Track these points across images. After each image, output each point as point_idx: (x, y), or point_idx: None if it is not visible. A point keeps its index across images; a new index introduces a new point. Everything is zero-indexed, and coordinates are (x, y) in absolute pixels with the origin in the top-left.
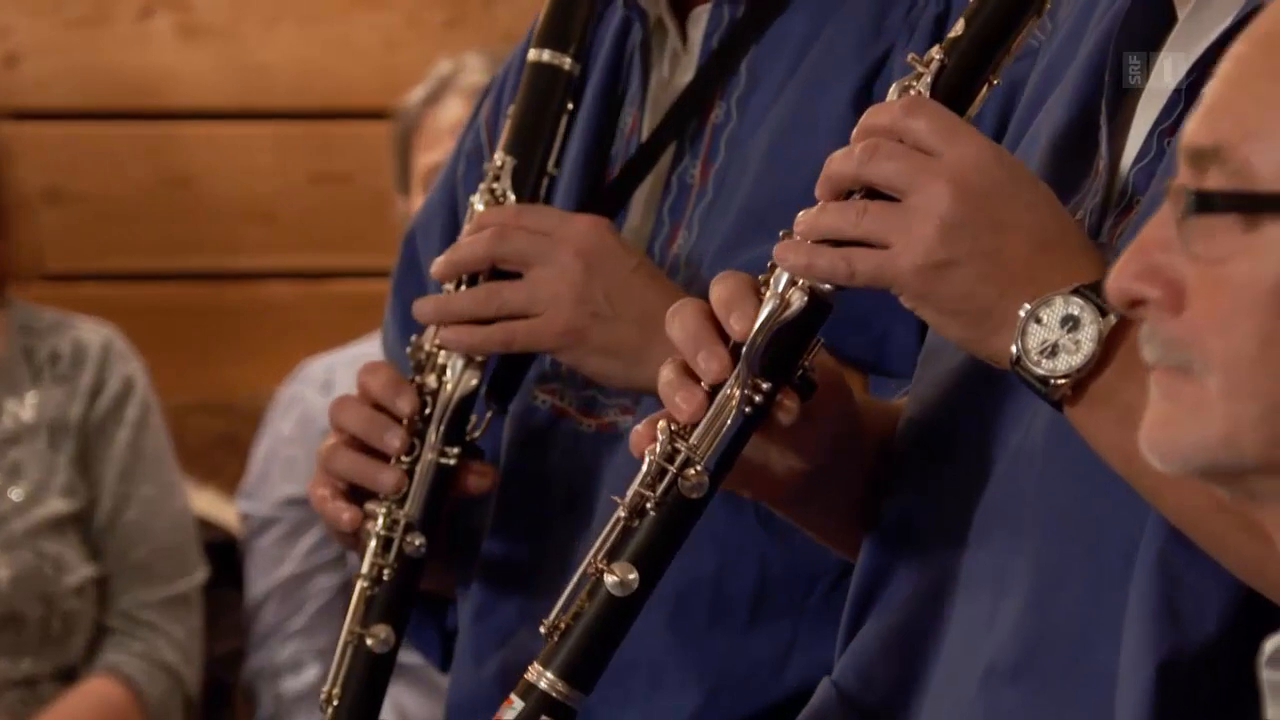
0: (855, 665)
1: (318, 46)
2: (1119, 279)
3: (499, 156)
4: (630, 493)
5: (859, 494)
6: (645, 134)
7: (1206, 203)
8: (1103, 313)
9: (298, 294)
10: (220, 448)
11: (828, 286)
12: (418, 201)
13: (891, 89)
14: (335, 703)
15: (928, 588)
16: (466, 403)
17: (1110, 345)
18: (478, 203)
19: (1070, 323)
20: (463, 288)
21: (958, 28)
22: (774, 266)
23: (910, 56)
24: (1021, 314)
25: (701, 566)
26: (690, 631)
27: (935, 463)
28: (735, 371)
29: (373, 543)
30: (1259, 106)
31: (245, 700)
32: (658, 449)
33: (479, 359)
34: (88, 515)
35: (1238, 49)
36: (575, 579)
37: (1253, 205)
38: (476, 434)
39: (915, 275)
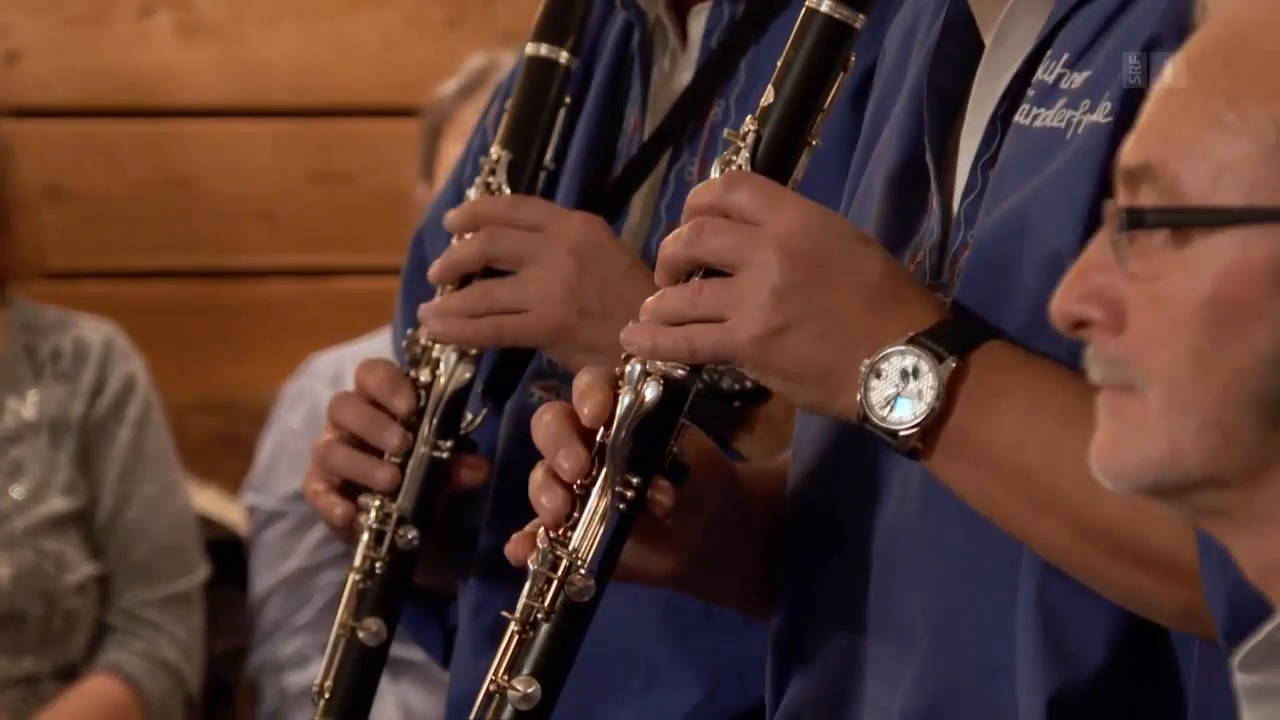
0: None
1: (318, 45)
2: (1061, 302)
3: (494, 150)
4: (520, 605)
5: (756, 564)
6: (647, 133)
7: (1137, 220)
8: (940, 359)
9: (298, 292)
10: (221, 446)
11: (680, 372)
12: None
13: (714, 166)
14: (327, 695)
15: (840, 653)
16: (459, 396)
17: (953, 388)
18: (474, 195)
19: (910, 373)
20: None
21: (768, 96)
22: (628, 357)
23: (727, 131)
24: (861, 370)
25: None
26: (684, 629)
27: (822, 533)
28: (604, 472)
29: (365, 536)
30: (1183, 123)
31: (248, 695)
32: (539, 558)
33: (472, 352)
34: (89, 513)
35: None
36: (480, 699)
37: (1181, 220)
38: (472, 429)
39: (753, 345)
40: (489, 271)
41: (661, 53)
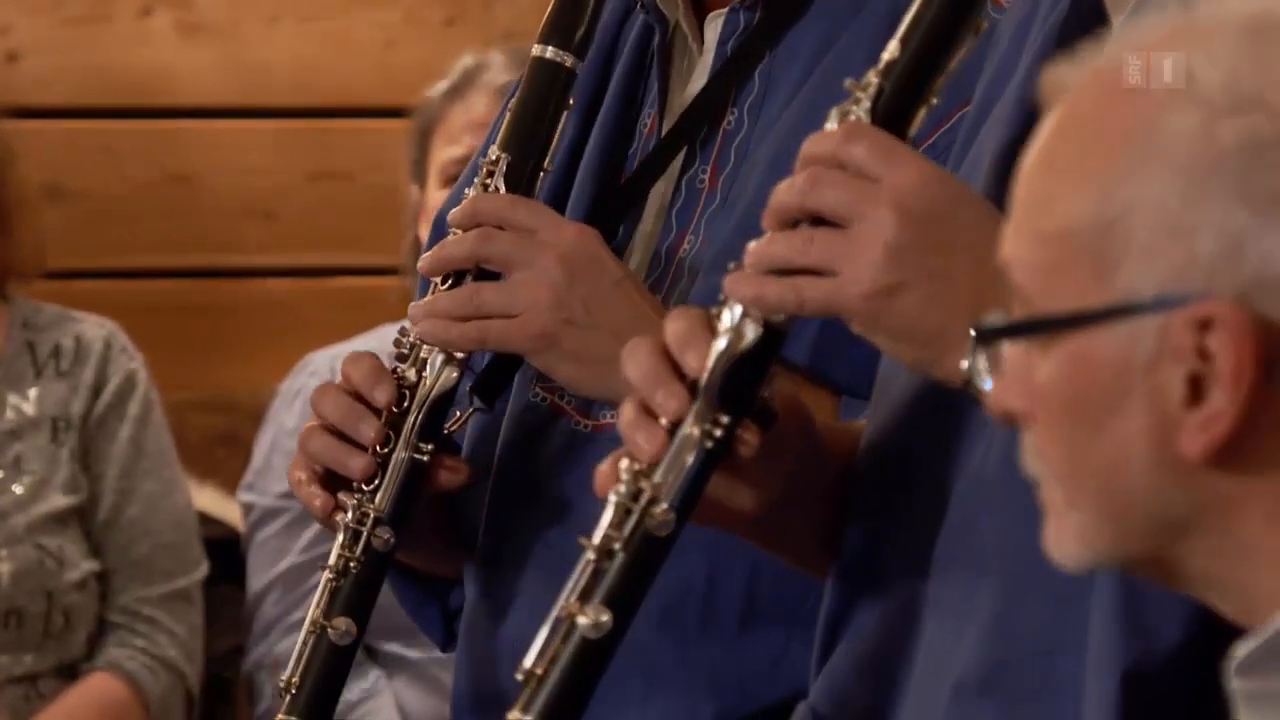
0: (830, 689)
1: (317, 45)
2: (993, 395)
3: (494, 152)
4: (598, 534)
5: (826, 519)
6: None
7: (984, 336)
8: None
9: (298, 291)
10: (220, 444)
11: (781, 317)
12: (434, 196)
13: (830, 115)
14: (294, 691)
15: (895, 613)
16: (444, 399)
17: None
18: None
19: None
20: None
21: (892, 49)
22: (726, 299)
23: (848, 82)
24: (971, 333)
25: (692, 575)
26: (682, 638)
27: (894, 491)
28: (694, 407)
29: (341, 535)
30: (1024, 221)
31: (246, 692)
32: (622, 489)
33: (459, 355)
34: (89, 511)
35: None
36: (549, 624)
37: (1019, 332)
38: (455, 428)
39: (864, 302)
40: (481, 271)
41: (680, 57)
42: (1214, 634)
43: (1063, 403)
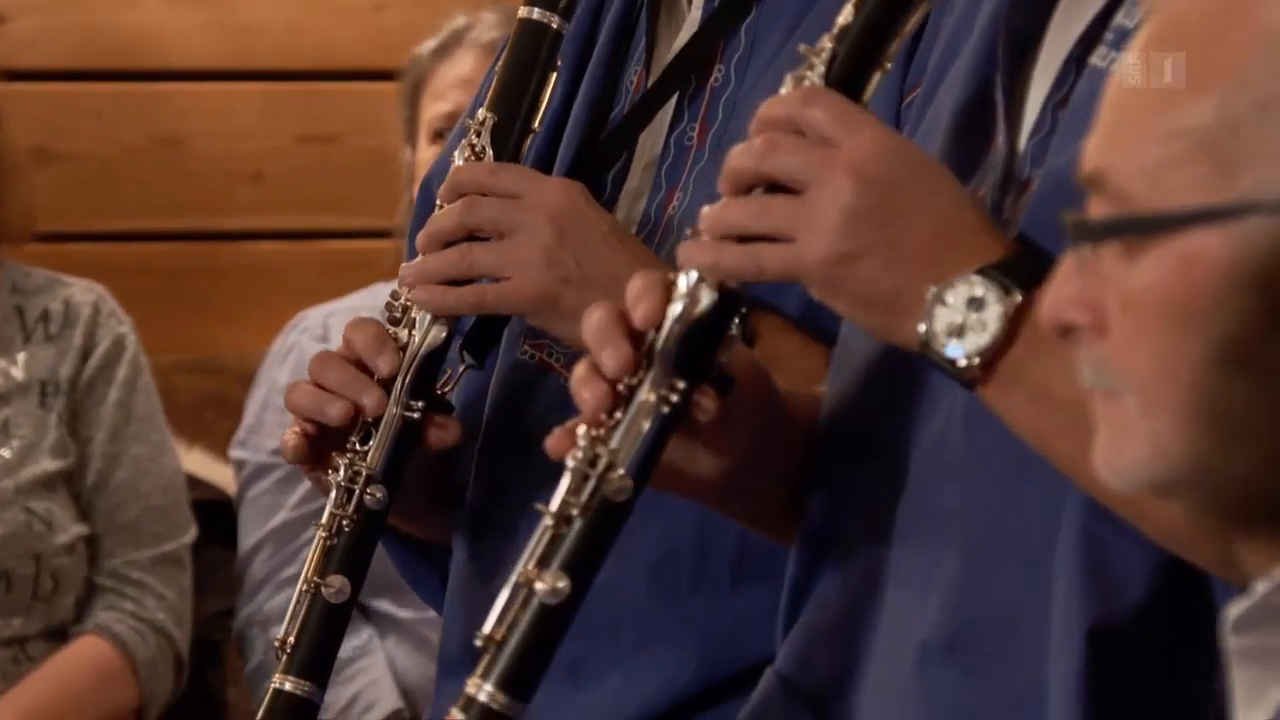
0: (795, 654)
1: (305, 7)
2: (1049, 306)
3: (481, 113)
4: (555, 500)
5: (790, 485)
6: None
7: (1086, 234)
8: (1006, 291)
9: (286, 254)
10: (209, 407)
11: (736, 282)
12: (424, 152)
13: (786, 80)
14: (290, 650)
15: (858, 580)
16: (433, 357)
17: (1016, 323)
18: (458, 158)
19: (975, 303)
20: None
21: (847, 13)
22: (683, 264)
23: (802, 46)
24: (928, 297)
25: (683, 531)
26: (673, 593)
27: (855, 459)
28: (651, 373)
29: (333, 494)
30: (1125, 125)
31: (237, 649)
32: (580, 455)
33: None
34: (77, 475)
35: (1121, 61)
36: (507, 591)
37: (1124, 230)
38: (448, 388)
39: (822, 267)
40: (472, 239)
41: (668, 15)
42: (1179, 591)
43: (1162, 305)
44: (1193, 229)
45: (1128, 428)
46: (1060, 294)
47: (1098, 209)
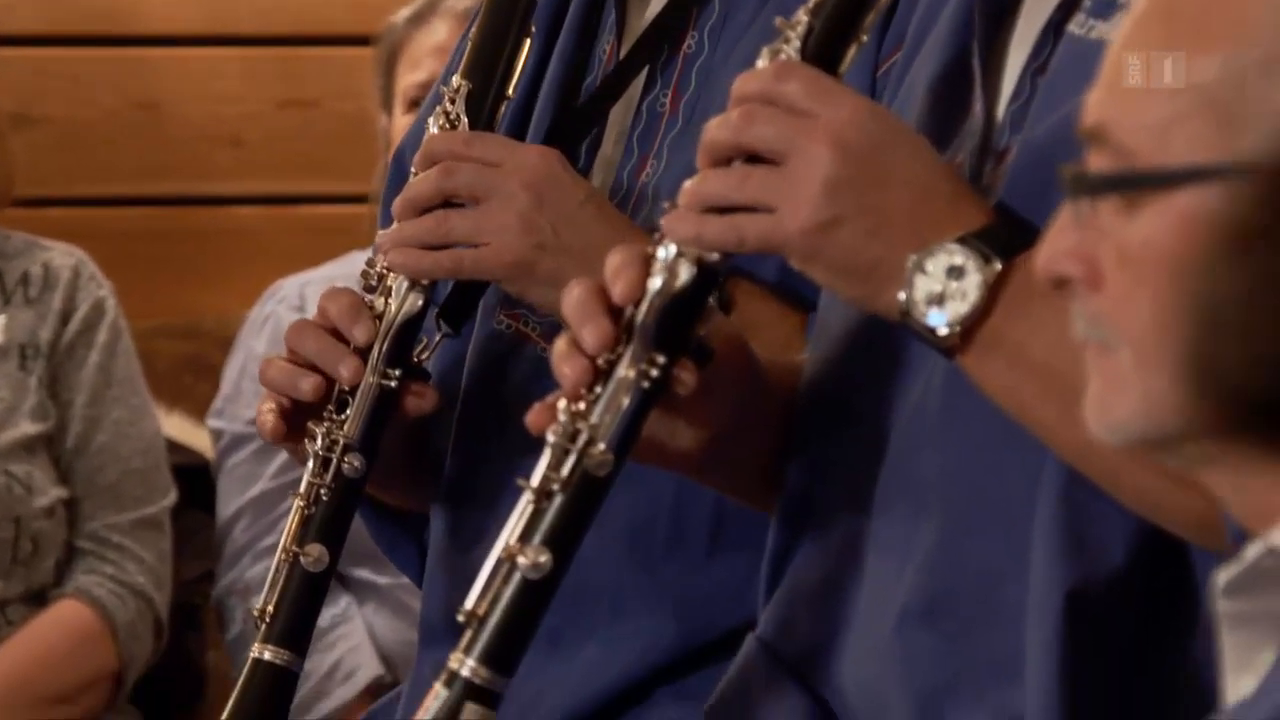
0: (777, 620)
1: None
2: (1044, 259)
3: (456, 80)
4: (536, 475)
5: (771, 455)
6: None
7: (1086, 187)
8: (986, 260)
9: (265, 219)
10: (188, 371)
11: (714, 256)
12: (399, 120)
13: (761, 54)
14: (269, 619)
15: (839, 548)
16: (410, 325)
17: (995, 291)
18: (432, 126)
19: (955, 272)
20: None
21: None
22: (661, 237)
23: (778, 20)
24: (907, 266)
25: (660, 498)
26: (649, 561)
27: (835, 428)
28: (630, 348)
29: (311, 463)
30: (1130, 80)
31: (216, 618)
32: (560, 430)
33: (424, 281)
34: (57, 438)
35: (1126, 19)
36: (489, 565)
37: (1124, 185)
38: (425, 356)
39: (803, 237)
40: (449, 206)
41: None
42: (1157, 556)
43: (1160, 260)
44: (1193, 186)
45: (1120, 381)
46: (1056, 246)
47: (1097, 162)
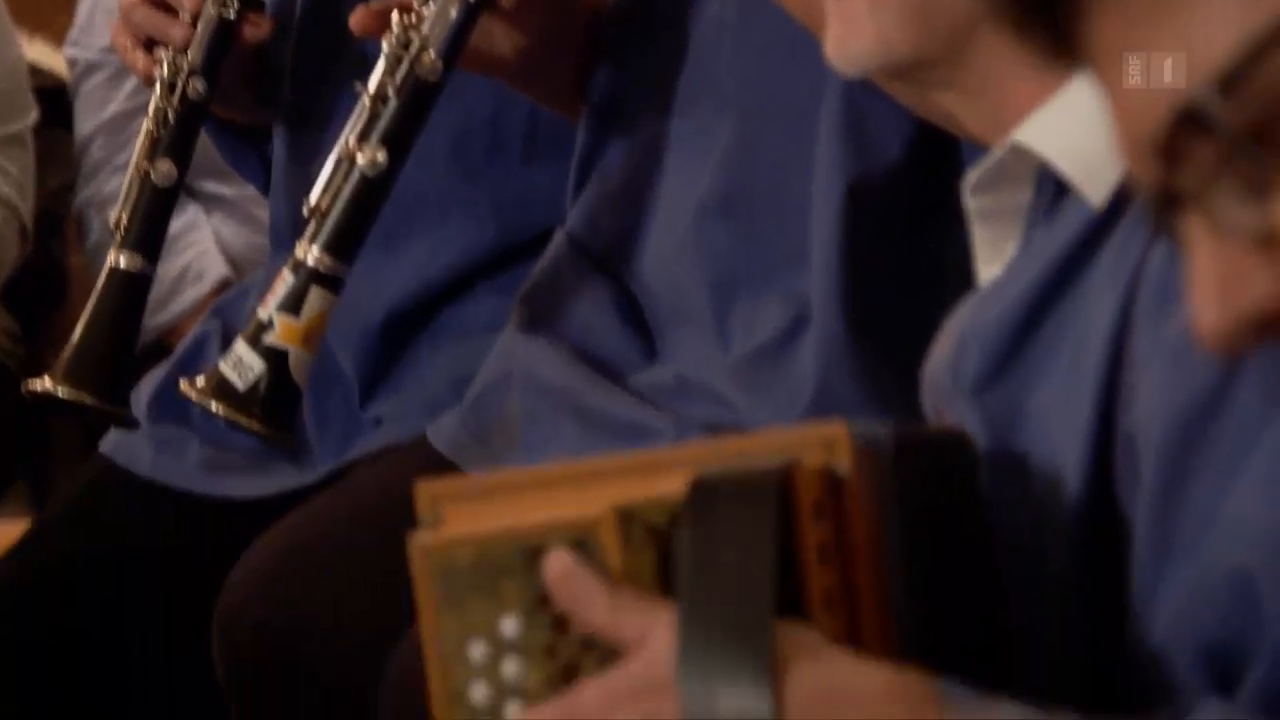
0: (583, 217)
1: None
2: None
3: None
4: (372, 81)
5: (582, 65)
6: None
7: None
8: None
9: None
10: (48, 1)
11: None
12: None
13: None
14: (124, 229)
15: (643, 148)
16: None
17: None
18: None
19: None
20: None
21: None
22: None
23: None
24: None
25: (479, 110)
26: (471, 167)
27: (640, 40)
28: None
29: (158, 87)
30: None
31: (76, 227)
32: (394, 39)
33: None
34: None
35: None
36: (330, 163)
37: None
38: None
39: None
40: None
41: None
42: (931, 154)
43: None
44: None
45: (856, 22)
46: None
47: None
